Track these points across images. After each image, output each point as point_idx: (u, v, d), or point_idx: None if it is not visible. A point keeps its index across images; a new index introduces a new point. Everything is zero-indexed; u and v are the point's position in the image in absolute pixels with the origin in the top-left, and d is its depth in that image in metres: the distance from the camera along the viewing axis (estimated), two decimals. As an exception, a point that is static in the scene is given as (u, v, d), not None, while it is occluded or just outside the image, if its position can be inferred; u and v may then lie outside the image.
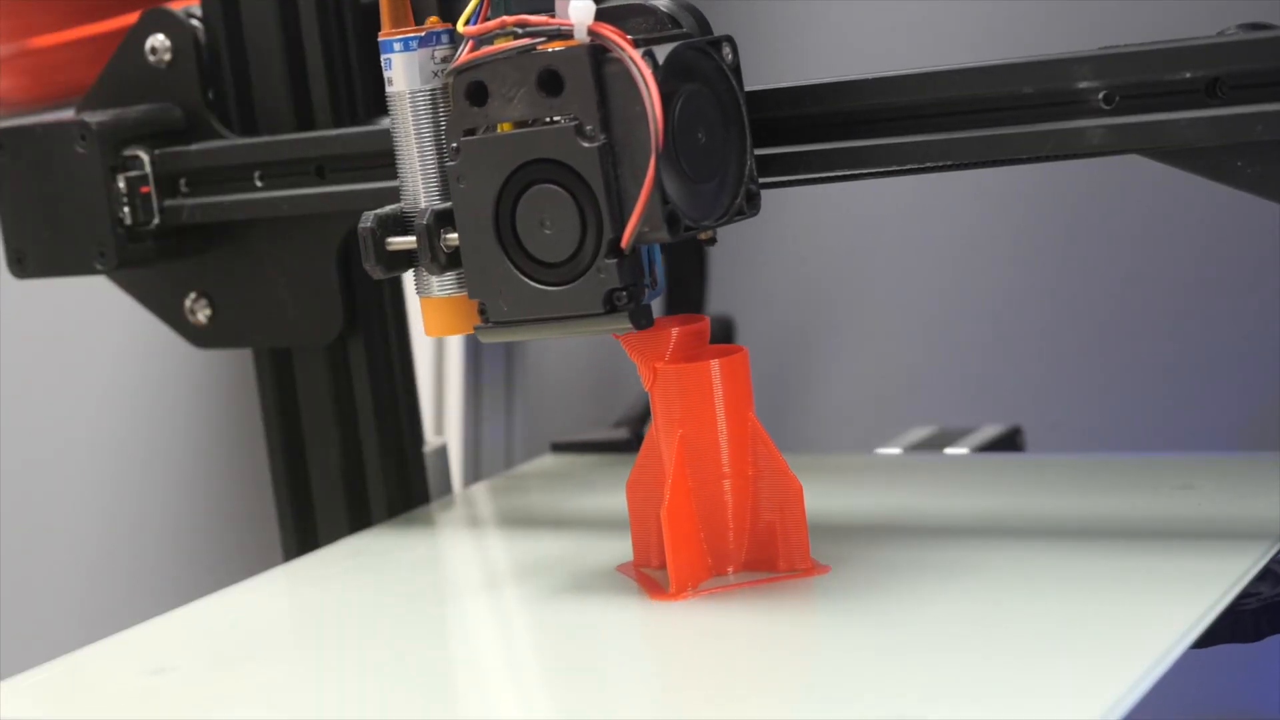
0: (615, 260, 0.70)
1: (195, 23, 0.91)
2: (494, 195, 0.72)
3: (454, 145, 0.72)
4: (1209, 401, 1.23)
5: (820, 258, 1.32)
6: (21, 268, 0.93)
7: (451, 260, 0.74)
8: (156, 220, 0.91)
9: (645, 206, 0.69)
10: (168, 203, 0.91)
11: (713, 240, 0.75)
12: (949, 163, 0.73)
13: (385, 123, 0.90)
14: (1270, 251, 1.17)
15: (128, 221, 0.90)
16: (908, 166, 0.74)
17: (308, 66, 0.91)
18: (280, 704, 0.70)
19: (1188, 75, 0.68)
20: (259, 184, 0.89)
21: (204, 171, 0.90)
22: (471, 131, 0.72)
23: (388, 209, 0.76)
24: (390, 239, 0.75)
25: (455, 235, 0.73)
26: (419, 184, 0.75)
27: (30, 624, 1.40)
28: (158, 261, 0.92)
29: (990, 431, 1.11)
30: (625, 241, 0.70)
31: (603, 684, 0.69)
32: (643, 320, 0.71)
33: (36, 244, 0.92)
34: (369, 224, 0.75)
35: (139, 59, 0.92)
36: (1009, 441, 1.11)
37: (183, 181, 0.90)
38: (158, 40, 0.91)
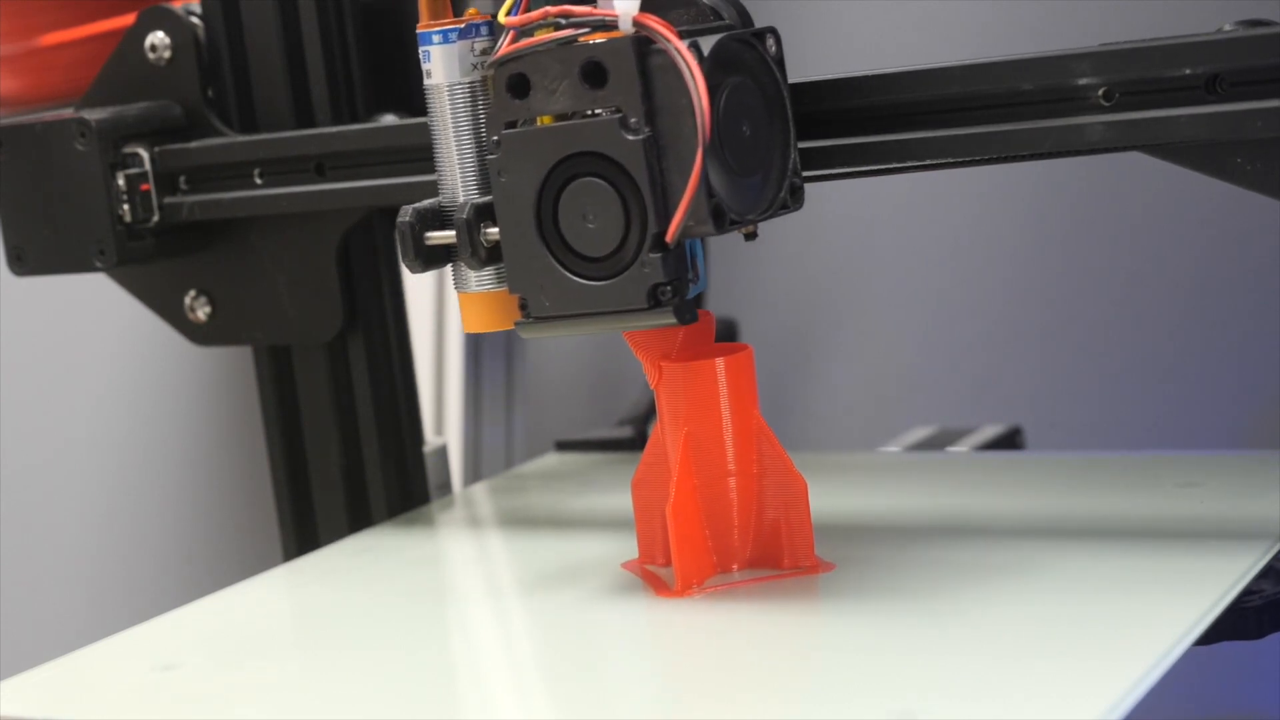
0: (659, 254, 0.69)
1: (195, 20, 0.91)
2: (536, 189, 0.71)
3: (495, 138, 0.71)
4: (1209, 401, 1.23)
5: (820, 258, 1.32)
6: (21, 265, 0.93)
7: (491, 255, 0.73)
8: (156, 218, 0.91)
9: (691, 200, 0.68)
10: (167, 200, 0.91)
11: (754, 234, 0.73)
12: (948, 160, 0.73)
13: (385, 119, 0.91)
14: (1271, 249, 1.17)
15: (127, 219, 0.90)
16: (906, 164, 0.74)
17: (307, 64, 0.90)
18: (281, 703, 0.70)
19: (1187, 72, 0.68)
20: (259, 181, 0.89)
21: (204, 169, 0.90)
22: (513, 124, 0.71)
23: (426, 203, 0.74)
24: (429, 233, 0.74)
25: (495, 230, 0.72)
26: (458, 178, 0.74)
27: (30, 624, 1.40)
28: (157, 259, 0.92)
29: (990, 431, 1.12)
30: (670, 235, 0.68)
31: (605, 683, 0.69)
32: (687, 315, 0.70)
33: (36, 241, 0.92)
34: (407, 218, 0.74)
35: (139, 56, 0.92)
36: (1009, 442, 1.11)
37: (182, 179, 0.90)
38: (157, 38, 0.91)
